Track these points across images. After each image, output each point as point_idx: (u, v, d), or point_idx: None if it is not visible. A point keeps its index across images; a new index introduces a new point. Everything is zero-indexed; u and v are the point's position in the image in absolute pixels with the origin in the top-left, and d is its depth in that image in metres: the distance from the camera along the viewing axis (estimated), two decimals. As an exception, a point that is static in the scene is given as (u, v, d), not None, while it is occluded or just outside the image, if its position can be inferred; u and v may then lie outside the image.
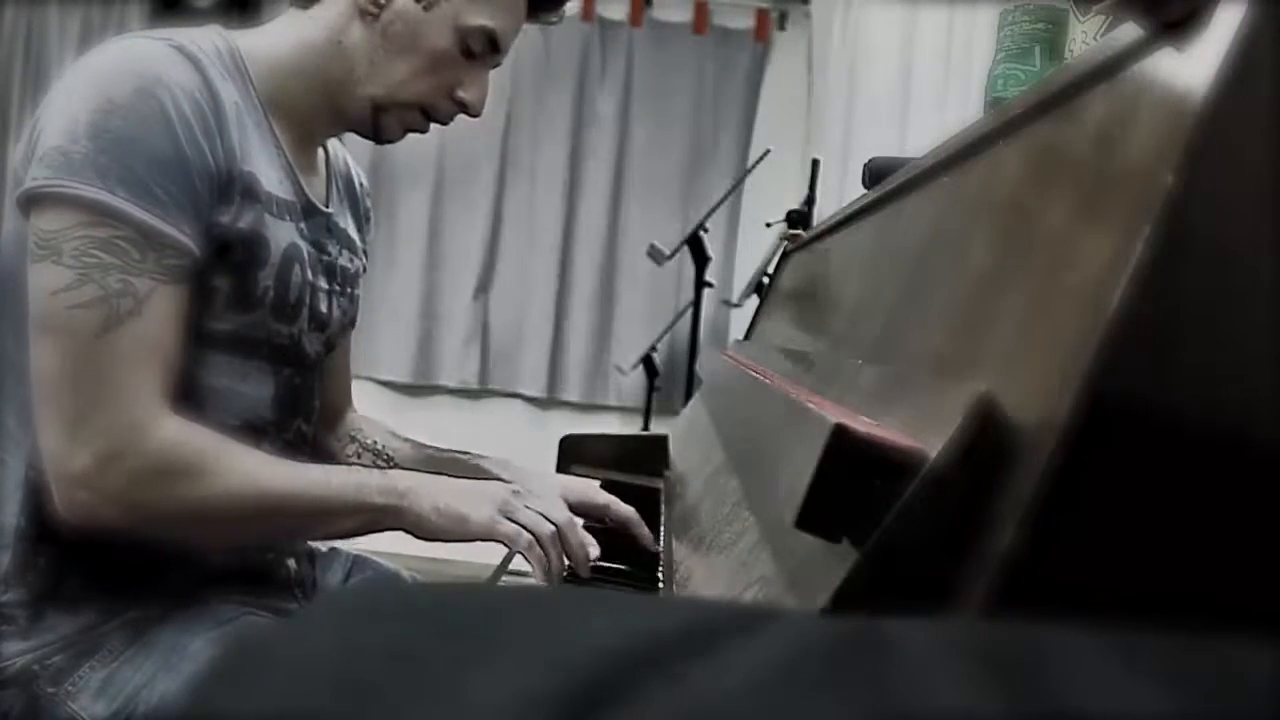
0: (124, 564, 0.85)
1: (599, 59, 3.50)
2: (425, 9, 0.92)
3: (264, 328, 0.90)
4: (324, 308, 0.98)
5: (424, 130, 0.99)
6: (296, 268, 0.92)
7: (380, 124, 0.97)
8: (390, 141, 1.00)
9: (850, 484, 0.34)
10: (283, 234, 0.90)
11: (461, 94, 0.96)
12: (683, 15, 3.49)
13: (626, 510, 0.97)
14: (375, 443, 1.15)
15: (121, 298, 0.78)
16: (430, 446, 1.14)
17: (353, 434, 1.16)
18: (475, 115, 0.99)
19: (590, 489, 1.02)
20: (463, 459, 1.10)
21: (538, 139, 3.51)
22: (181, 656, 0.83)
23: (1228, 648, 0.18)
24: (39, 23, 3.57)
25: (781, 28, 3.52)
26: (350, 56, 0.93)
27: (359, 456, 1.13)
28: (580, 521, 0.91)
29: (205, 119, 0.82)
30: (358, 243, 1.07)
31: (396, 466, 1.12)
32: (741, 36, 3.50)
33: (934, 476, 0.32)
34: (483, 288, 3.53)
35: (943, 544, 0.32)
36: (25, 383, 0.81)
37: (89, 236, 0.77)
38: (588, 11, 3.48)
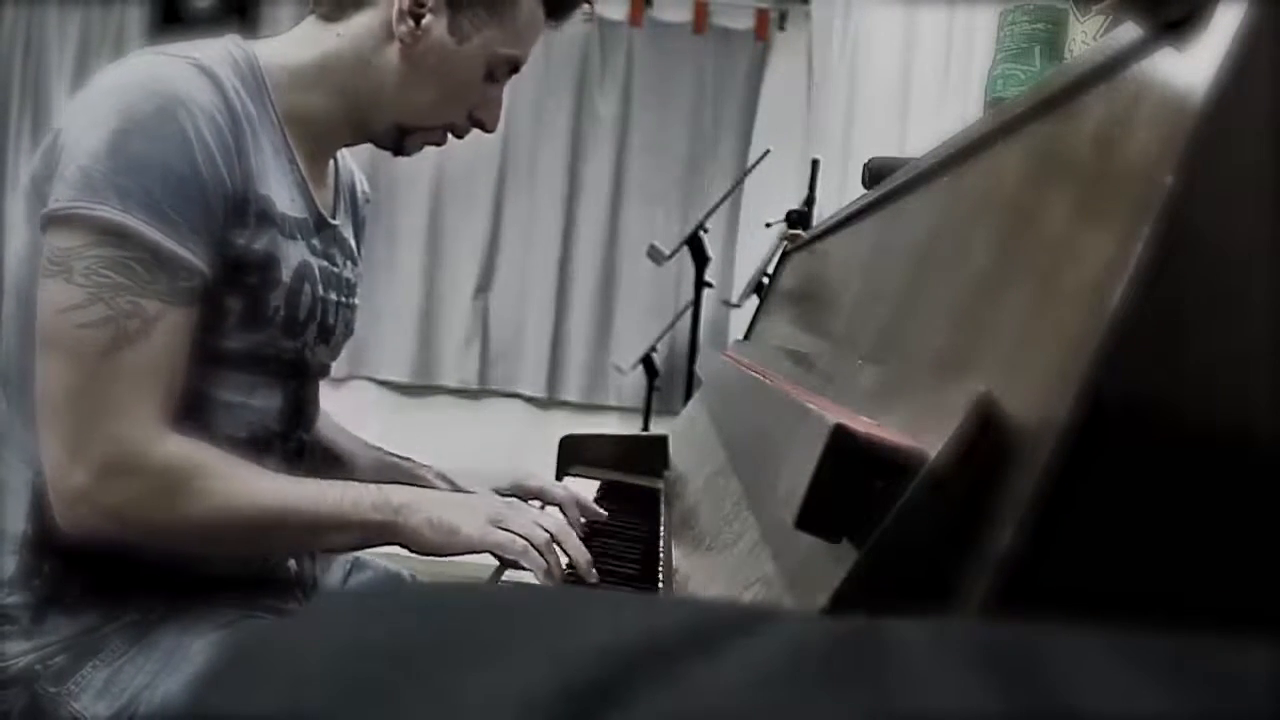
0: (127, 568, 0.85)
1: (599, 59, 3.50)
2: (459, 43, 0.93)
3: (273, 345, 0.91)
4: (331, 320, 0.99)
5: (442, 144, 1.01)
6: (307, 286, 0.92)
7: (404, 143, 0.99)
8: (409, 155, 1.01)
9: (850, 484, 0.34)
10: (294, 254, 0.91)
11: (480, 114, 0.99)
12: (683, 15, 3.49)
13: (561, 494, 0.97)
14: (331, 441, 1.16)
15: (129, 318, 0.78)
16: (380, 450, 1.16)
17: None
18: (490, 133, 1.02)
19: (523, 476, 1.03)
20: (406, 466, 1.12)
21: (537, 139, 3.50)
22: (183, 657, 0.84)
23: (1228, 648, 0.18)
24: (39, 24, 3.57)
25: (781, 28, 3.51)
26: (378, 77, 0.93)
27: (311, 453, 1.14)
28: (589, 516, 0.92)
29: (224, 140, 0.82)
30: (356, 252, 1.08)
31: (343, 466, 1.14)
32: (741, 36, 3.50)
33: (934, 476, 0.32)
34: (483, 288, 3.53)
35: (943, 544, 0.32)
36: (33, 390, 0.81)
37: (101, 256, 0.77)
38: (587, 11, 3.47)
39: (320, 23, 0.94)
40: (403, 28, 0.91)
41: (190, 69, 0.82)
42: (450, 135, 1.00)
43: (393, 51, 0.92)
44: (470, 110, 0.98)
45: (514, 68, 0.98)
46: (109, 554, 0.83)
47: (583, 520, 0.99)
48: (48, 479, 0.80)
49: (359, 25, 0.93)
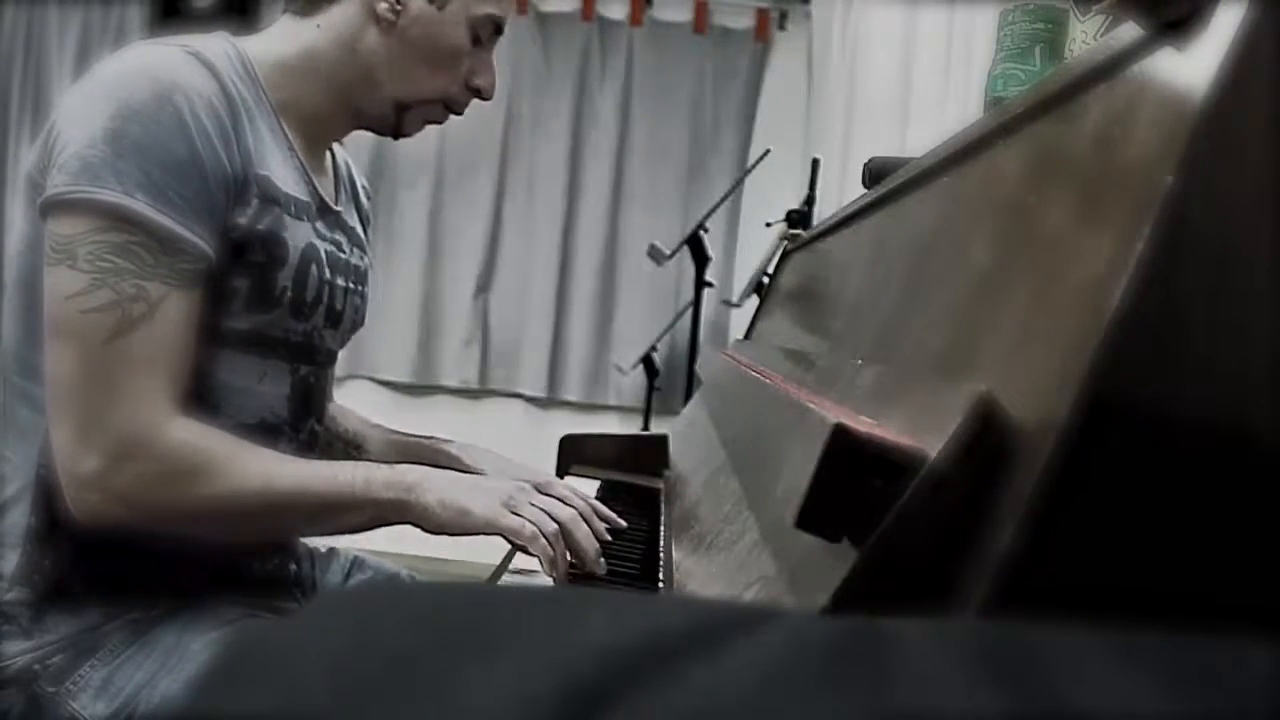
0: (127, 565, 0.86)
1: (599, 59, 3.50)
2: (439, 9, 0.94)
3: (281, 326, 0.91)
4: (339, 305, 1.00)
5: (442, 121, 1.02)
6: (314, 267, 0.93)
7: (403, 122, 0.99)
8: (409, 136, 1.02)
9: (850, 484, 0.34)
10: (300, 234, 0.91)
11: (475, 81, 1.00)
12: (683, 15, 3.49)
13: (578, 504, 0.96)
14: (346, 430, 1.16)
15: (134, 302, 0.78)
16: (398, 432, 1.17)
17: (326, 423, 1.17)
18: (489, 99, 1.03)
19: (545, 483, 1.01)
20: (428, 443, 1.12)
21: (538, 139, 3.51)
22: (182, 656, 0.84)
23: (1228, 648, 0.18)
24: (39, 23, 3.57)
25: (781, 28, 3.51)
26: (367, 62, 0.95)
27: (330, 445, 1.14)
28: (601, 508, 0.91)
29: (221, 123, 0.83)
30: (364, 241, 1.09)
31: (366, 451, 1.14)
32: (741, 36, 3.50)
33: (934, 476, 0.32)
34: (483, 288, 3.53)
35: (943, 544, 0.32)
36: (38, 381, 0.82)
37: (104, 241, 0.78)
38: (588, 11, 3.47)
39: (295, 18, 0.96)
40: (383, 4, 0.93)
41: (186, 56, 0.83)
42: (449, 111, 1.01)
43: (376, 33, 0.94)
44: (465, 79, 0.99)
45: (497, 28, 0.99)
46: (115, 546, 0.83)
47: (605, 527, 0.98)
48: (58, 466, 0.80)
49: (337, 16, 0.94)
